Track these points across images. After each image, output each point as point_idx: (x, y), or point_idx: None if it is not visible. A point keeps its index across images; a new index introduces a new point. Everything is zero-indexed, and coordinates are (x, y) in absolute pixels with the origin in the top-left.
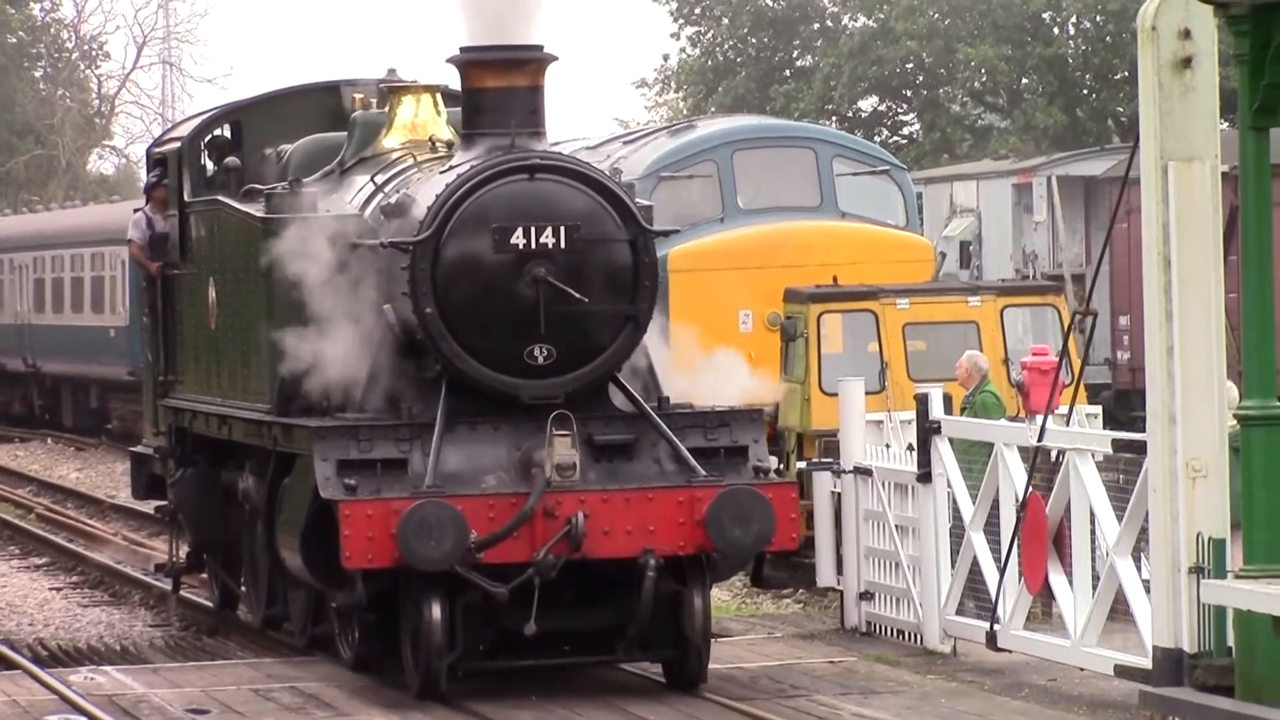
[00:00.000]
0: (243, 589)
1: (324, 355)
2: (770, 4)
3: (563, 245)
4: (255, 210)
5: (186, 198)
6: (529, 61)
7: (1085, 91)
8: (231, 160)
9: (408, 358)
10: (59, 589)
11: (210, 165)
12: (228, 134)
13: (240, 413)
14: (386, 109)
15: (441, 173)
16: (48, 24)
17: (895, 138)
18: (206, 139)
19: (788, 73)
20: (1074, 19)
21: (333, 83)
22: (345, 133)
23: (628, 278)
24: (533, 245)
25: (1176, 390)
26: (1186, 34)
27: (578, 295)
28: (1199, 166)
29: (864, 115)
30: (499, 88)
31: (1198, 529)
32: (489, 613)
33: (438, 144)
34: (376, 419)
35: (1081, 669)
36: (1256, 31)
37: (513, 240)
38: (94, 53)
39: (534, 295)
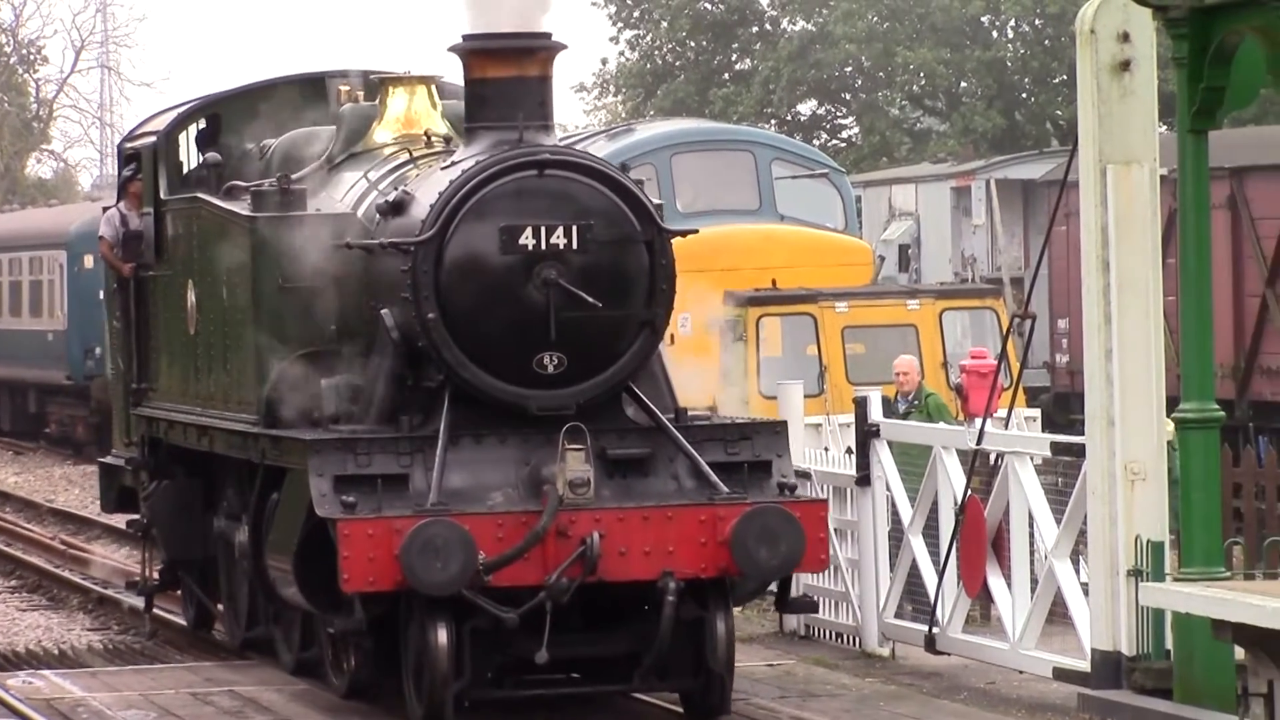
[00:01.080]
0: (219, 608)
1: (315, 363)
2: (709, 7)
3: (574, 246)
4: (240, 208)
5: (163, 195)
6: (538, 50)
7: (1024, 95)
8: (212, 155)
9: (407, 366)
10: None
11: (187, 161)
12: (206, 128)
13: (223, 423)
14: (376, 101)
15: (443, 168)
16: None
17: (834, 141)
18: (183, 133)
19: (726, 76)
20: (1012, 22)
21: (317, 74)
22: (332, 127)
23: (644, 280)
24: (542, 246)
25: (1115, 393)
26: (1125, 37)
27: (591, 300)
28: (1137, 170)
29: (803, 119)
30: (506, 78)
31: (1136, 532)
32: (497, 639)
33: (434, 139)
34: (375, 432)
35: (1020, 672)
36: (1195, 35)
37: (521, 240)
38: (32, 57)
39: (544, 299)
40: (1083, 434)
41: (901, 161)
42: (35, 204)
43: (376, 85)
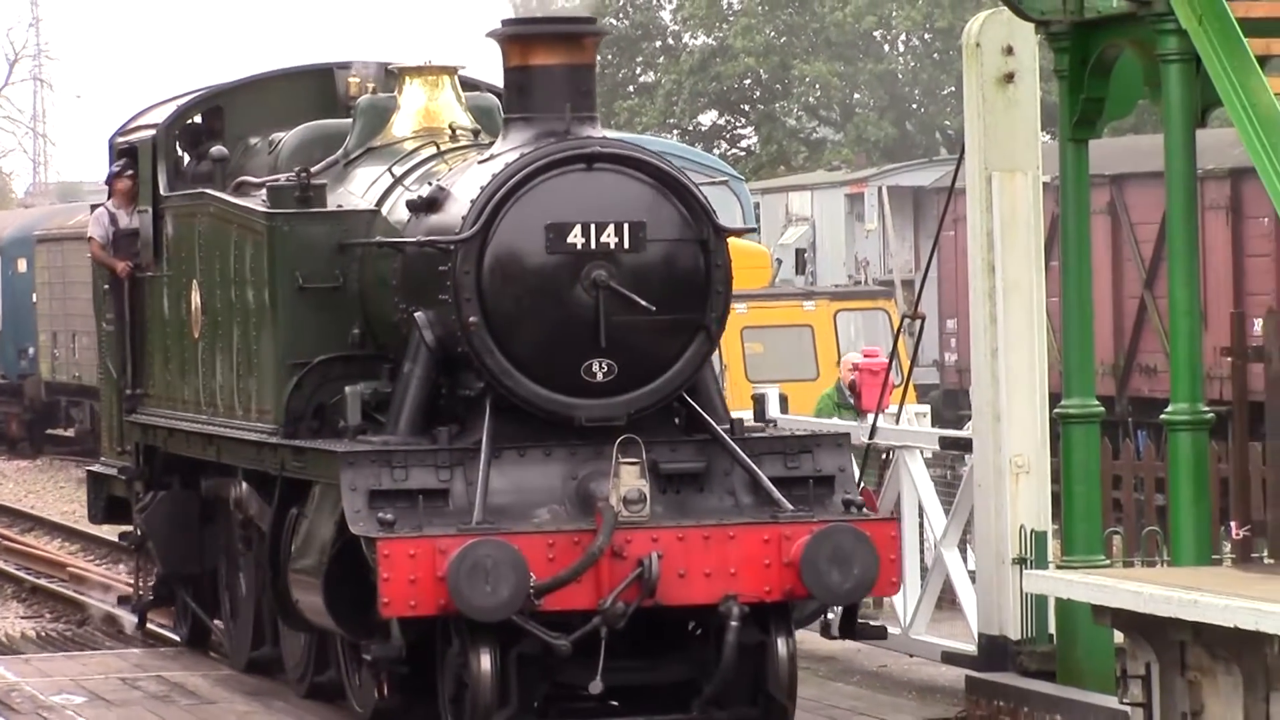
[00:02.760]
0: (217, 624)
1: (338, 369)
2: (614, 23)
3: (626, 245)
4: (255, 205)
5: (163, 191)
6: (585, 35)
7: (914, 106)
8: (218, 150)
9: (442, 373)
10: None
11: (186, 156)
12: (207, 121)
13: (235, 432)
14: (395, 93)
15: (480, 162)
16: None
17: (734, 150)
18: (184, 126)
19: (631, 89)
20: (903, 37)
21: (325, 65)
22: (342, 120)
23: (699, 282)
24: (592, 245)
25: (1001, 390)
26: (1009, 50)
27: (643, 303)
28: (1021, 177)
29: (704, 129)
30: (551, 65)
31: (1020, 522)
32: (544, 665)
33: (460, 132)
34: (409, 443)
35: (911, 655)
36: (1075, 48)
37: (569, 239)
38: None
39: (593, 302)
40: (970, 429)
41: (798, 169)
42: None
43: (391, 77)
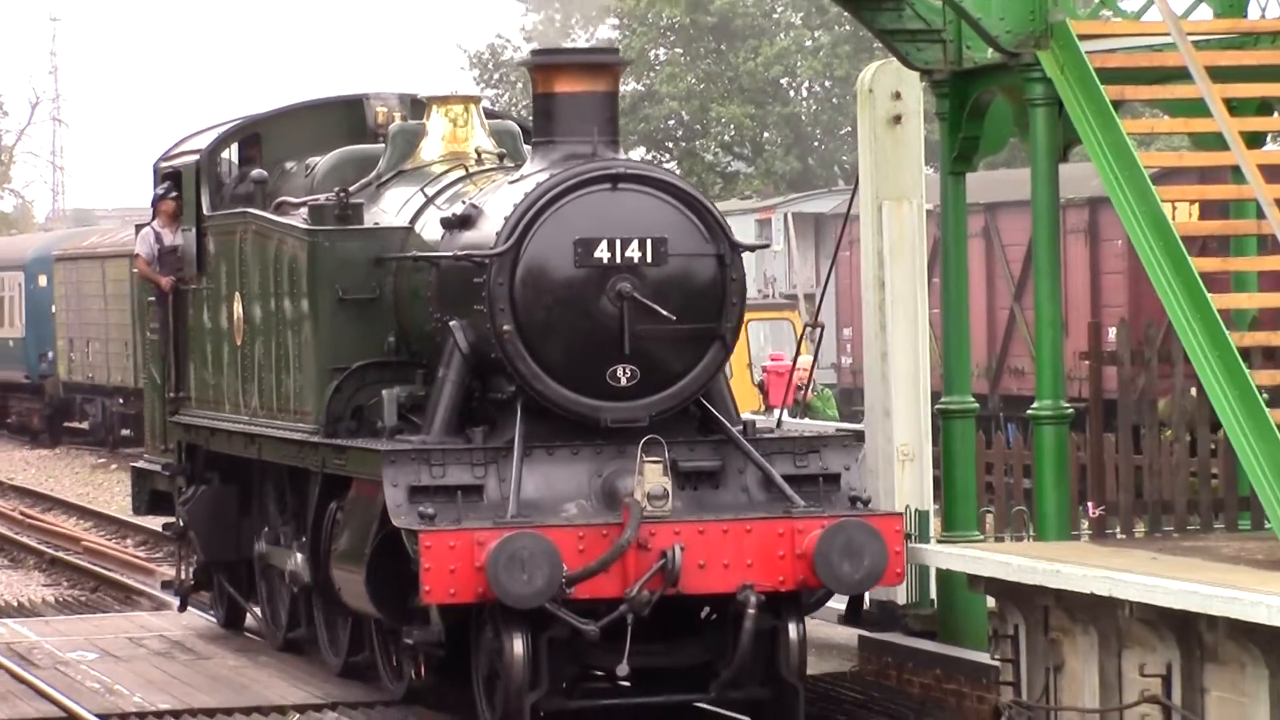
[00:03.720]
0: (254, 608)
1: (375, 374)
2: None
3: (648, 260)
4: (297, 222)
5: (205, 211)
6: (608, 65)
7: (816, 143)
8: (258, 172)
9: (476, 377)
10: None
11: (226, 179)
12: (247, 147)
13: (276, 432)
14: (424, 120)
15: (511, 182)
16: None
17: None
18: (225, 152)
19: None
20: (806, 84)
21: (355, 96)
22: (373, 145)
23: (715, 294)
24: (617, 259)
25: (889, 389)
26: (897, 96)
27: (664, 313)
28: (908, 205)
29: None
30: (578, 92)
31: (906, 502)
32: (573, 649)
33: (484, 156)
34: (445, 443)
35: (811, 617)
36: (955, 94)
37: (596, 254)
38: None
39: (618, 312)
40: (863, 422)
41: (715, 198)
42: None
43: (416, 105)
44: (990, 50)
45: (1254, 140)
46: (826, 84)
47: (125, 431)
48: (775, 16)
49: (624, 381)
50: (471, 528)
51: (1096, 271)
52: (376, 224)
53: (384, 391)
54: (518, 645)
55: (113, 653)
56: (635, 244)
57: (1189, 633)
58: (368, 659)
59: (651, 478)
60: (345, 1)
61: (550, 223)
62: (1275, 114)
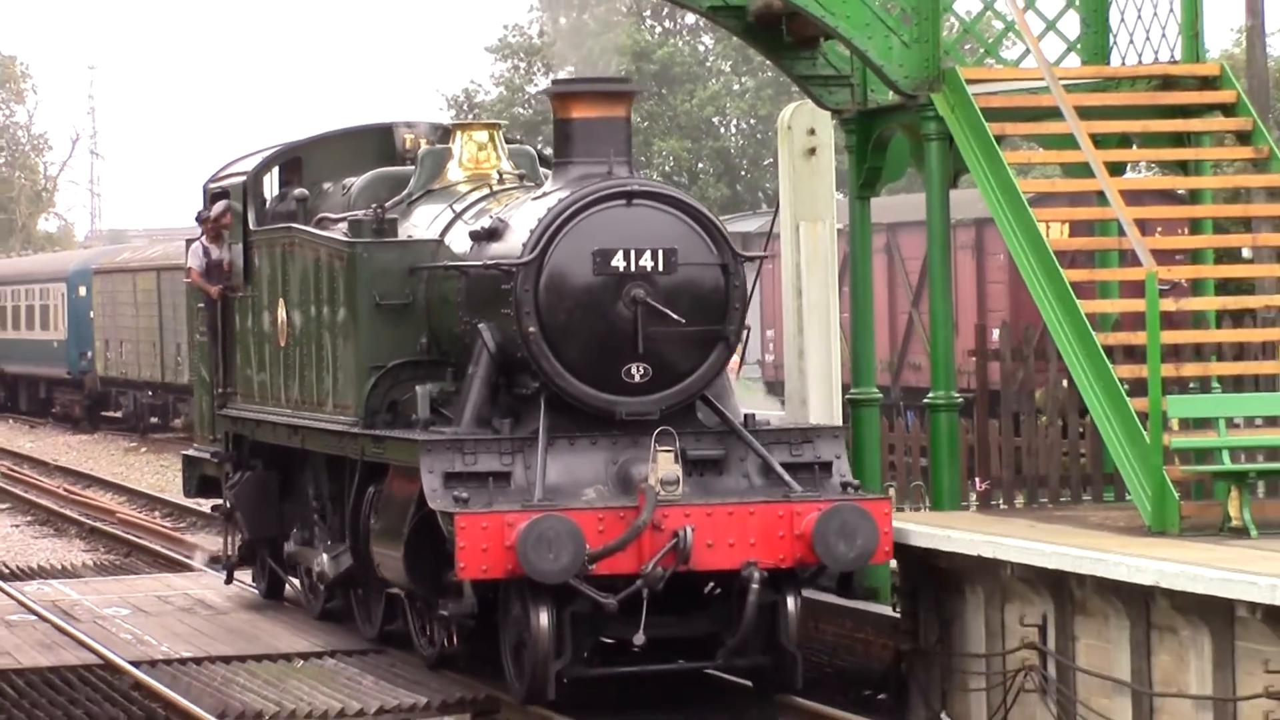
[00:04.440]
0: (294, 581)
1: (408, 371)
2: (522, 111)
3: (660, 268)
4: (338, 235)
5: (251, 226)
6: (621, 94)
7: (743, 173)
8: (300, 191)
9: (501, 375)
10: (17, 526)
11: (269, 198)
12: (287, 170)
13: (318, 423)
14: (450, 144)
15: (534, 199)
16: (7, 125)
17: None
18: (268, 174)
19: None
20: (735, 121)
21: (385, 124)
22: (403, 167)
23: (719, 300)
24: (631, 268)
25: (806, 381)
26: (812, 132)
27: (675, 316)
28: (821, 225)
29: None
30: (595, 118)
31: None
32: (593, 622)
33: (505, 176)
34: (475, 433)
35: None
36: (861, 130)
37: (612, 263)
38: (41, 145)
39: (632, 316)
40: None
41: None
42: (43, 251)
43: (443, 131)
44: (891, 93)
45: (1116, 169)
46: (752, 122)
47: (154, 419)
48: (708, 65)
49: (637, 378)
50: (502, 510)
51: (982, 281)
52: (409, 237)
53: (417, 387)
54: (543, 618)
55: (143, 609)
56: (648, 254)
57: (1061, 589)
58: (400, 628)
59: (664, 465)
60: (338, 52)
61: (571, 235)
62: (1133, 146)
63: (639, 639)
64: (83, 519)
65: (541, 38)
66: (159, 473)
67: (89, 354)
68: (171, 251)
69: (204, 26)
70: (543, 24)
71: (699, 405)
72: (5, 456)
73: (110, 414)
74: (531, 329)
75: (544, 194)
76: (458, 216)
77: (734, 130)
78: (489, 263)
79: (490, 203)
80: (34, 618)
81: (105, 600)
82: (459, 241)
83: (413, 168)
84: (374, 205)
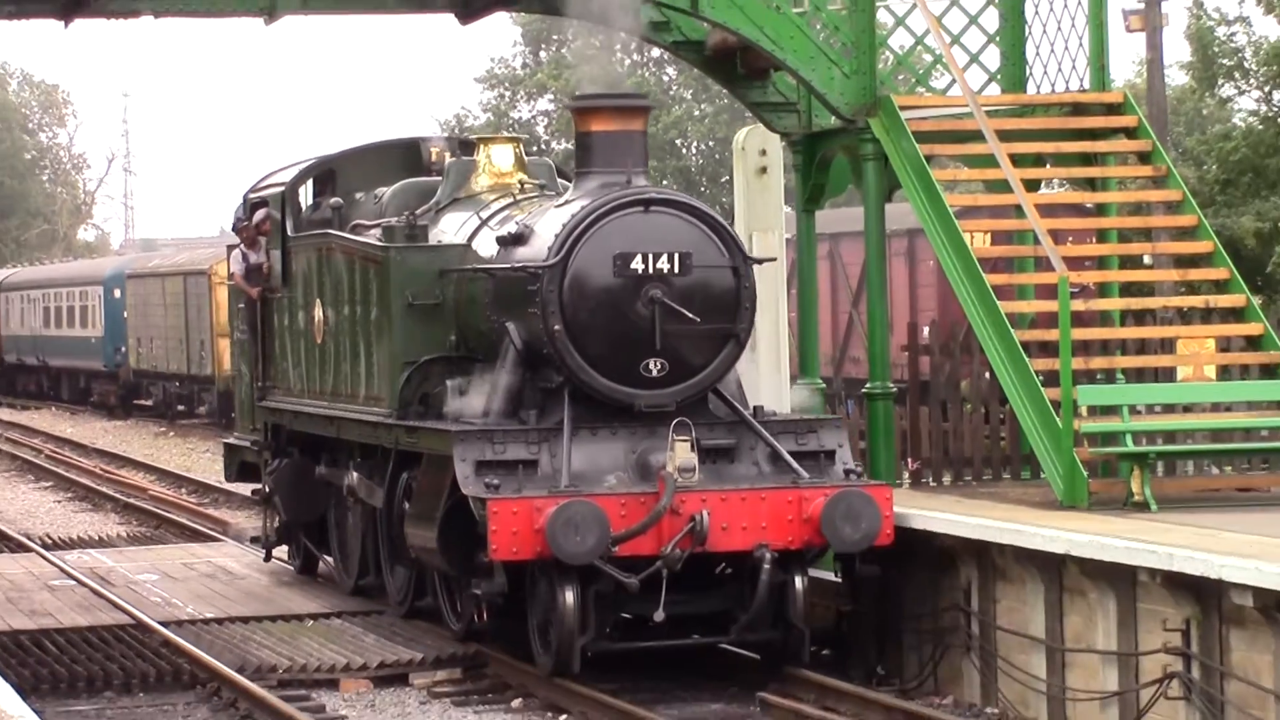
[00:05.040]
0: (327, 559)
1: (440, 368)
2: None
3: (676, 270)
4: (373, 240)
5: (290, 233)
6: (637, 109)
7: (703, 189)
8: (336, 200)
9: (527, 369)
10: (59, 501)
11: (304, 206)
12: (320, 181)
13: (353, 415)
14: (474, 157)
15: (557, 206)
16: (50, 146)
17: None
18: (304, 185)
19: None
20: (695, 143)
21: (412, 139)
22: (430, 178)
23: (731, 300)
24: (650, 270)
25: (757, 374)
26: (764, 152)
27: (690, 315)
28: (772, 235)
29: None
30: (614, 131)
31: None
32: (616, 599)
33: (527, 186)
34: (504, 424)
35: None
36: (807, 151)
37: (632, 266)
38: (80, 164)
39: (650, 314)
40: None
41: None
42: (82, 257)
43: (465, 144)
44: (833, 118)
45: (1032, 185)
46: (710, 143)
47: (180, 407)
48: (671, 93)
49: (655, 372)
50: (531, 496)
51: (914, 285)
52: (439, 242)
53: (447, 381)
54: (569, 597)
55: (170, 575)
56: (665, 257)
57: (985, 557)
58: (429, 603)
59: (681, 454)
60: (344, 78)
61: (593, 239)
62: (1047, 165)
63: (659, 616)
64: (117, 495)
65: (524, 69)
66: (185, 454)
67: (123, 349)
68: (196, 258)
69: (222, 59)
70: (525, 57)
71: (710, 397)
72: (48, 440)
73: (141, 402)
74: (557, 327)
75: (566, 201)
76: (484, 223)
77: (694, 151)
78: (517, 265)
79: (514, 210)
80: (74, 583)
81: (137, 567)
82: (485, 246)
83: (439, 178)
84: (406, 212)
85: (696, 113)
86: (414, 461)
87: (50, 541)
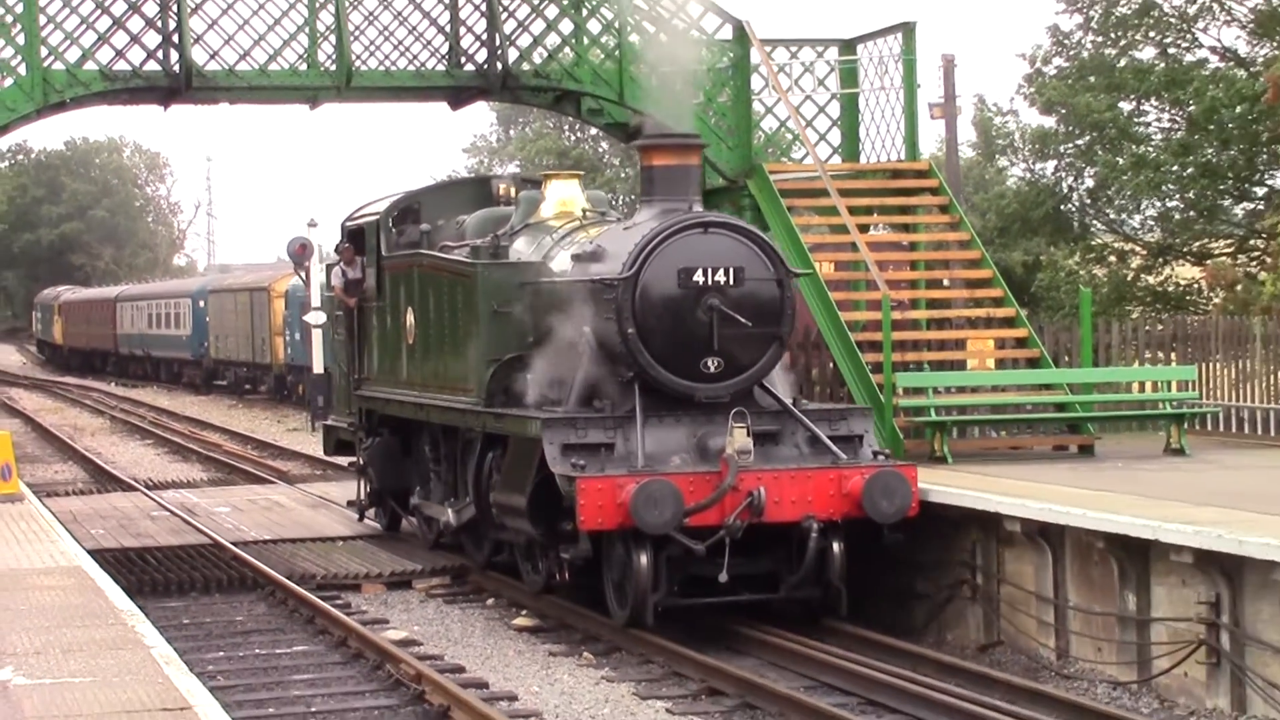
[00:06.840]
0: (411, 520)
1: (520, 363)
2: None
3: (730, 282)
4: (462, 258)
5: (384, 253)
6: (692, 146)
7: None
8: (425, 226)
9: (603, 365)
10: (158, 454)
11: (394, 231)
12: (405, 211)
13: (443, 402)
14: (541, 189)
15: (625, 229)
16: (154, 196)
17: None
18: (394, 214)
19: None
20: (621, 197)
21: (483, 177)
22: (502, 208)
23: (776, 307)
24: (708, 282)
25: None
26: None
27: (742, 320)
28: None
29: None
30: (675, 165)
31: None
32: (683, 562)
33: (588, 213)
34: (583, 413)
35: None
36: (703, 204)
37: (694, 278)
38: (174, 209)
39: (708, 320)
40: None
41: None
42: (175, 277)
43: (527, 181)
44: (721, 179)
45: (864, 228)
46: (632, 197)
47: (246, 387)
48: (604, 160)
49: (712, 369)
50: (613, 475)
51: None
52: (518, 259)
53: (528, 375)
54: (645, 560)
55: (238, 507)
56: (721, 271)
57: None
58: (506, 559)
59: (739, 438)
60: (362, 145)
61: (660, 256)
62: (874, 214)
63: (723, 577)
64: (200, 450)
65: (498, 142)
66: (251, 420)
67: (205, 344)
68: (259, 278)
69: (280, 132)
70: (498, 134)
71: (756, 389)
72: (150, 410)
73: (219, 383)
74: (630, 330)
75: (634, 224)
76: (556, 244)
77: (621, 204)
78: (595, 278)
79: (580, 233)
80: (167, 513)
81: (215, 502)
82: (558, 262)
83: (508, 208)
84: (489, 235)
85: (623, 175)
86: (498, 444)
87: (151, 483)
